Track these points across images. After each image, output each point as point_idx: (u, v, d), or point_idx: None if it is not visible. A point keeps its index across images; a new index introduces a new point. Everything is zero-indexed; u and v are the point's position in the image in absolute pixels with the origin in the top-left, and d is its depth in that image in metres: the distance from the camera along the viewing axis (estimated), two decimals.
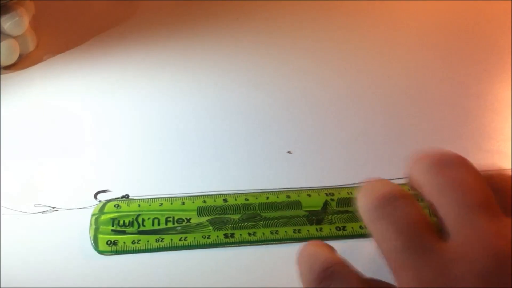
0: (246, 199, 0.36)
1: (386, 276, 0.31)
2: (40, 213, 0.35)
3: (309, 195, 0.36)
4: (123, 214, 0.35)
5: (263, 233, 0.34)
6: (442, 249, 0.22)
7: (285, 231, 0.34)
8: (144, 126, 0.43)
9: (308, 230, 0.34)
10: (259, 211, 0.35)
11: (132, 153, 0.41)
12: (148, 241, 0.33)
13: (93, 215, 0.35)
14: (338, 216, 0.35)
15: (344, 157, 0.40)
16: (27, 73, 0.49)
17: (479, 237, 0.21)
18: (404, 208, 0.25)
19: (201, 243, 0.33)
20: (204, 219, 0.35)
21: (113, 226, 0.34)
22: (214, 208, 0.35)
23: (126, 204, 0.36)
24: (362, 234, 0.34)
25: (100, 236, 0.34)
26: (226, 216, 0.35)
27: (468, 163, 0.25)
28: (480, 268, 0.20)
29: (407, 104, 0.46)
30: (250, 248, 0.33)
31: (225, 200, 0.36)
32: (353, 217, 0.35)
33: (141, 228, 0.34)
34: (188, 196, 0.36)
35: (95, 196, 0.36)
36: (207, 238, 0.34)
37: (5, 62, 0.49)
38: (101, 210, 0.35)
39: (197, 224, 0.34)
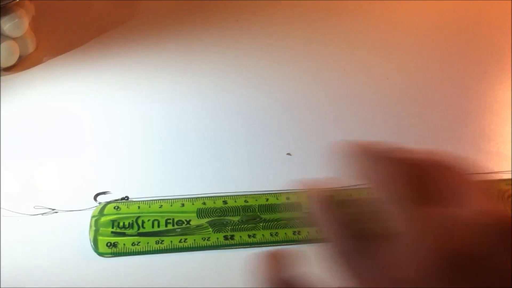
0: (245, 201, 0.36)
1: None
2: (40, 215, 0.35)
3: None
4: (123, 216, 0.35)
5: (262, 235, 0.34)
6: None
7: (285, 233, 0.34)
8: (144, 127, 0.43)
9: (308, 232, 0.34)
10: (258, 213, 0.35)
11: (132, 154, 0.41)
12: (148, 243, 0.34)
13: (93, 217, 0.35)
14: None
15: (344, 158, 0.40)
16: (27, 75, 0.49)
17: (420, 230, 0.22)
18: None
19: (201, 245, 0.33)
20: (204, 221, 0.35)
21: (113, 228, 0.34)
22: (214, 210, 0.35)
23: (126, 206, 0.36)
24: None
25: (100, 238, 0.34)
26: (225, 218, 0.35)
27: (394, 154, 0.25)
28: (425, 261, 0.21)
29: (407, 105, 0.46)
30: (250, 250, 0.33)
31: (224, 202, 0.36)
32: None
33: (141, 230, 0.34)
34: (188, 198, 0.36)
35: (95, 198, 0.37)
36: (207, 240, 0.34)
37: (5, 64, 0.49)
38: (101, 212, 0.35)
39: (197, 226, 0.34)
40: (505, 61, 0.51)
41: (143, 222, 0.34)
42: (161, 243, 0.33)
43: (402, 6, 0.61)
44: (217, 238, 0.34)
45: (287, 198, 0.36)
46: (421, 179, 0.24)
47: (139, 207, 0.35)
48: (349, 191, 0.29)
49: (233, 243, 0.34)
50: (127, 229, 0.34)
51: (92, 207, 0.36)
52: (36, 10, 0.52)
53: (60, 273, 0.32)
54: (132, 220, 0.35)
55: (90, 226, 0.34)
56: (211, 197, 0.36)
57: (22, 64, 0.50)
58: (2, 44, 0.48)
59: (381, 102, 0.46)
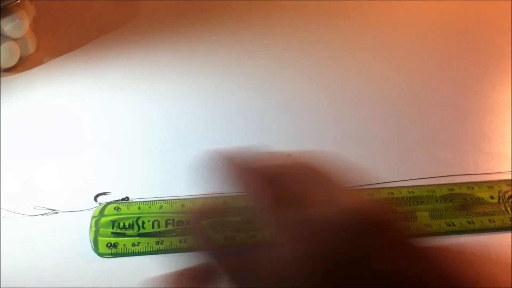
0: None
1: None
2: (40, 215, 0.35)
3: None
4: (123, 216, 0.35)
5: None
6: None
7: None
8: (144, 127, 0.43)
9: None
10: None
11: (132, 154, 0.41)
12: (148, 243, 0.33)
13: (93, 217, 0.35)
14: None
15: (343, 159, 0.40)
16: (28, 75, 0.49)
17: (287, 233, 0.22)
18: None
19: None
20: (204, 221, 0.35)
21: (113, 228, 0.34)
22: (214, 211, 0.35)
23: (126, 207, 0.36)
24: None
25: (100, 238, 0.34)
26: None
27: (260, 160, 0.26)
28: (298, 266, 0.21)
29: (407, 106, 0.46)
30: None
31: (225, 203, 0.36)
32: None
33: (141, 231, 0.34)
34: (188, 198, 0.36)
35: (95, 198, 0.37)
36: None
37: (5, 65, 0.49)
38: (101, 213, 0.35)
39: None
40: (505, 62, 0.51)
41: (143, 222, 0.34)
42: (161, 243, 0.33)
43: (402, 7, 0.61)
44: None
45: None
46: (287, 183, 0.25)
47: (139, 208, 0.35)
48: (226, 199, 0.29)
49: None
50: (128, 230, 0.34)
51: (92, 207, 0.36)
52: (36, 11, 0.52)
53: (60, 274, 0.32)
54: (133, 221, 0.35)
55: (90, 227, 0.34)
56: (211, 197, 0.36)
57: (22, 65, 0.50)
58: (2, 45, 0.48)
59: (382, 103, 0.46)
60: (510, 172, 0.38)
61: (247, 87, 0.48)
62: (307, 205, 0.23)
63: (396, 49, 0.54)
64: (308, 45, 0.54)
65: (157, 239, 0.34)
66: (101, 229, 0.34)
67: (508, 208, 0.35)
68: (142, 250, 0.33)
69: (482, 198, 0.36)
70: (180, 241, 0.33)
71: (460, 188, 0.37)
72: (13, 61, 0.49)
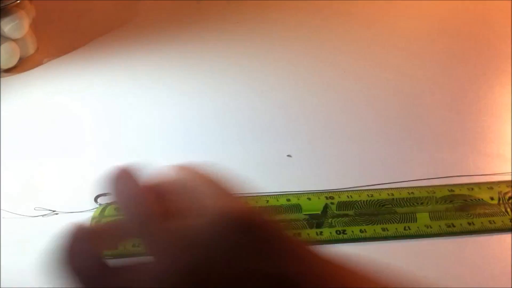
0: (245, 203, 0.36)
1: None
2: (40, 216, 0.35)
3: (309, 199, 0.36)
4: None
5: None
6: None
7: None
8: (143, 128, 0.43)
9: (308, 234, 0.34)
10: None
11: (131, 155, 0.41)
12: None
13: (93, 218, 0.35)
14: (338, 219, 0.35)
15: (344, 160, 0.40)
16: (27, 76, 0.49)
17: (164, 255, 0.21)
18: None
19: None
20: None
21: None
22: None
23: None
24: (362, 238, 0.34)
25: None
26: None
27: (139, 175, 0.25)
28: (164, 282, 0.21)
29: (406, 107, 0.46)
30: None
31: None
32: (353, 220, 0.35)
33: None
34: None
35: (96, 199, 0.36)
36: None
37: (5, 65, 0.49)
38: (102, 213, 0.35)
39: None
40: (505, 63, 0.51)
41: None
42: None
43: (402, 8, 0.61)
44: None
45: (288, 200, 0.36)
46: (165, 196, 0.24)
47: None
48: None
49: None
50: None
51: (92, 208, 0.36)
52: (36, 12, 0.52)
53: None
54: None
55: None
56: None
57: (22, 65, 0.50)
58: (2, 46, 0.48)
59: (382, 104, 0.46)
60: (510, 173, 0.38)
61: (247, 88, 0.48)
62: (185, 217, 0.23)
63: (395, 51, 0.54)
64: (308, 46, 0.54)
65: None
66: None
67: (508, 209, 0.35)
68: (142, 251, 0.33)
69: (482, 199, 0.36)
70: None
71: (460, 189, 0.37)
72: (13, 61, 0.49)
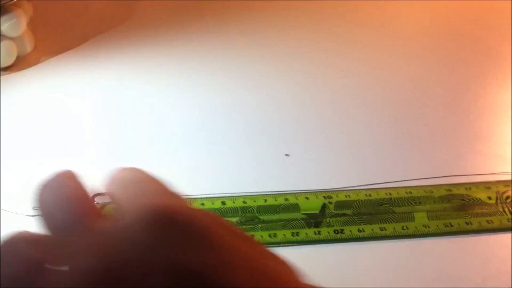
0: (244, 202, 0.36)
1: (386, 278, 0.31)
2: (40, 215, 0.35)
3: (307, 198, 0.36)
4: None
5: (261, 236, 0.34)
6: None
7: (283, 234, 0.34)
8: (142, 128, 0.43)
9: (306, 233, 0.34)
10: (257, 214, 0.35)
11: (131, 155, 0.41)
12: None
13: None
14: (336, 219, 0.35)
15: (342, 160, 0.40)
16: (25, 75, 0.49)
17: (77, 260, 0.20)
18: None
19: None
20: None
21: None
22: (212, 211, 0.35)
23: None
24: (360, 237, 0.34)
25: None
26: (224, 219, 0.35)
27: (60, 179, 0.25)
28: (75, 284, 0.20)
29: (404, 107, 0.46)
30: None
31: (223, 203, 0.36)
32: (351, 220, 0.35)
33: None
34: (186, 199, 0.36)
35: (93, 198, 0.36)
36: None
37: (2, 64, 0.49)
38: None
39: None
40: (503, 63, 0.51)
41: None
42: None
43: (400, 8, 0.61)
44: None
45: (286, 199, 0.36)
46: (89, 199, 0.24)
47: None
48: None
49: None
50: None
51: None
52: (34, 10, 0.52)
53: None
54: None
55: None
56: (210, 198, 0.36)
57: (20, 64, 0.50)
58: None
59: (379, 104, 0.46)
60: (508, 173, 0.38)
61: (244, 87, 0.48)
62: (114, 218, 0.22)
63: (393, 50, 0.54)
64: (306, 46, 0.54)
65: None
66: None
67: (506, 209, 0.35)
68: None
69: (479, 199, 0.36)
70: None
71: (458, 189, 0.37)
72: (10, 60, 0.49)
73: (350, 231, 0.34)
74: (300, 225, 0.34)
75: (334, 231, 0.34)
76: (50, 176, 0.25)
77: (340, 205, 0.36)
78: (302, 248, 0.33)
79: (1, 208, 0.35)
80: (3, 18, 0.47)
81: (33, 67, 0.50)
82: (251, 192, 0.37)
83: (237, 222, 0.35)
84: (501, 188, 0.37)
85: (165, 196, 0.23)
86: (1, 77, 0.48)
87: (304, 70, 0.50)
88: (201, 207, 0.35)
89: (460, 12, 0.61)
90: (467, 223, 0.35)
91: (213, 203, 0.36)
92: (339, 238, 0.34)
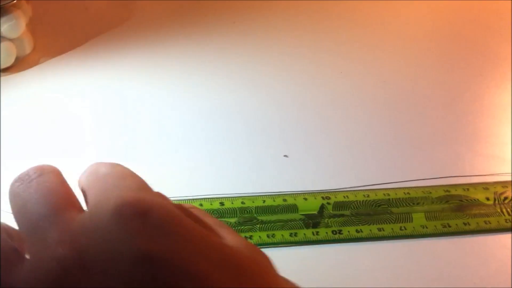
0: (242, 203, 0.36)
1: (385, 279, 0.31)
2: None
3: (306, 199, 0.36)
4: None
5: (259, 236, 0.34)
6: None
7: (282, 235, 0.34)
8: (141, 129, 0.43)
9: (304, 234, 0.34)
10: (255, 215, 0.35)
11: (131, 154, 0.41)
12: None
13: None
14: (334, 219, 0.35)
15: (340, 161, 0.40)
16: (24, 76, 0.49)
17: (45, 249, 0.21)
18: None
19: None
20: None
21: None
22: (211, 212, 0.35)
23: None
24: (358, 238, 0.34)
25: None
26: (223, 219, 0.35)
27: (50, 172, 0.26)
28: (45, 278, 0.20)
29: (402, 108, 0.46)
30: None
31: (221, 204, 0.36)
32: (349, 220, 0.35)
33: None
34: (185, 200, 0.36)
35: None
36: None
37: (2, 65, 0.49)
38: None
39: None
40: (501, 64, 0.51)
41: None
42: None
43: (397, 10, 0.61)
44: None
45: (284, 200, 0.36)
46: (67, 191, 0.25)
47: None
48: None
49: None
50: None
51: None
52: (33, 11, 0.52)
53: None
54: None
55: None
56: (208, 198, 0.36)
57: (19, 65, 0.50)
58: None
59: (378, 104, 0.46)
60: (506, 174, 0.39)
61: (243, 88, 0.48)
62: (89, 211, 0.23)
63: (391, 51, 0.54)
64: (305, 47, 0.54)
65: None
66: None
67: (504, 210, 0.36)
68: None
69: (477, 199, 0.36)
70: None
71: (456, 190, 0.37)
72: (10, 61, 0.49)
73: (348, 231, 0.34)
74: (299, 226, 0.34)
75: (332, 231, 0.34)
76: (24, 170, 0.26)
77: (338, 205, 0.36)
78: (300, 248, 0.33)
79: (1, 208, 0.35)
80: (3, 19, 0.47)
81: (33, 68, 0.50)
82: (249, 192, 0.37)
83: (235, 222, 0.35)
84: (499, 189, 0.37)
85: (137, 190, 0.24)
86: (1, 78, 0.48)
87: (303, 71, 0.51)
88: (200, 207, 0.35)
89: (460, 13, 0.61)
90: (465, 224, 0.35)
91: (211, 204, 0.36)
92: (337, 238, 0.34)
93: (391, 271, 0.32)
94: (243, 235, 0.34)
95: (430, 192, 0.37)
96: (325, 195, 0.37)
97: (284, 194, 0.37)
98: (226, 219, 0.35)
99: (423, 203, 0.36)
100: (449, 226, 0.34)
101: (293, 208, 0.35)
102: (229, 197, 0.36)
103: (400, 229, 0.34)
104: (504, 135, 0.42)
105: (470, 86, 0.48)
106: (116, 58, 0.52)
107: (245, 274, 0.21)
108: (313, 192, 0.37)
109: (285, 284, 0.23)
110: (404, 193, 0.37)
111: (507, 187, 0.37)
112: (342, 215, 0.35)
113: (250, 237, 0.34)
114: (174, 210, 0.22)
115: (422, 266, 0.32)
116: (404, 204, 0.36)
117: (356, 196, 0.37)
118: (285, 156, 0.41)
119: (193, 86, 0.48)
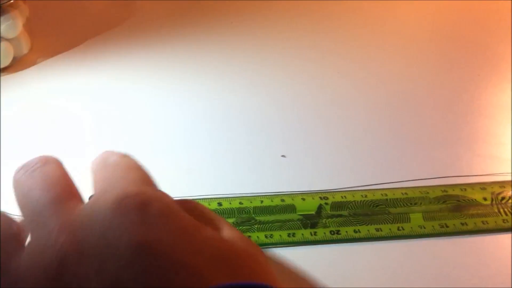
0: (240, 203, 0.36)
1: (382, 279, 0.31)
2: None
3: (303, 199, 0.36)
4: None
5: (257, 236, 0.34)
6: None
7: (280, 235, 0.34)
8: (137, 130, 0.43)
9: (302, 234, 0.34)
10: (253, 215, 0.35)
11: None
12: None
13: None
14: (332, 220, 0.35)
15: (338, 161, 0.40)
16: (22, 76, 0.49)
17: (46, 234, 0.22)
18: None
19: None
20: None
21: None
22: None
23: None
24: (356, 238, 0.34)
25: None
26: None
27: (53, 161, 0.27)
28: (44, 265, 0.21)
29: (400, 108, 0.46)
30: None
31: (219, 204, 0.36)
32: (347, 221, 0.35)
33: None
34: (186, 199, 0.36)
35: (90, 198, 0.36)
36: None
37: None
38: None
39: None
40: (499, 65, 0.52)
41: None
42: None
43: (396, 8, 0.61)
44: None
45: (282, 200, 0.36)
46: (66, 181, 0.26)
47: None
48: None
49: None
50: None
51: None
52: (30, 11, 0.52)
53: None
54: None
55: None
56: (206, 199, 0.36)
57: (16, 65, 0.50)
58: None
59: (374, 105, 0.46)
60: (503, 174, 0.39)
61: (240, 88, 0.48)
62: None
63: (389, 51, 0.54)
64: (302, 47, 0.54)
65: None
66: None
67: (501, 210, 0.36)
68: None
69: (475, 199, 0.36)
70: None
71: (453, 190, 0.37)
72: (7, 61, 0.49)
73: (346, 232, 0.34)
74: (297, 226, 0.34)
75: (330, 232, 0.34)
76: (27, 160, 0.27)
77: (336, 206, 0.36)
78: (298, 248, 0.33)
79: (1, 208, 0.35)
80: (0, 19, 0.47)
81: (30, 68, 0.50)
82: (247, 193, 0.37)
83: (233, 223, 0.35)
84: (497, 189, 0.37)
85: (140, 183, 0.24)
86: None
87: (300, 71, 0.51)
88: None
89: (459, 13, 0.61)
90: (462, 224, 0.35)
91: (209, 204, 0.36)
92: (335, 239, 0.34)
93: (389, 271, 0.32)
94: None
95: (428, 192, 0.37)
96: (323, 195, 0.37)
97: (282, 194, 0.37)
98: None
99: (421, 203, 0.36)
100: (447, 226, 0.34)
101: (291, 209, 0.35)
102: (227, 198, 0.36)
103: (398, 229, 0.34)
104: (502, 135, 0.42)
105: (468, 87, 0.49)
106: (114, 58, 0.52)
107: (237, 265, 0.22)
108: (311, 193, 0.37)
109: (277, 278, 0.24)
110: (402, 193, 0.37)
111: (504, 187, 0.37)
112: (340, 216, 0.35)
113: (248, 237, 0.34)
114: (173, 205, 0.23)
115: (421, 266, 0.32)
116: (401, 205, 0.36)
117: (354, 197, 0.37)
118: (282, 156, 0.41)
119: (191, 86, 0.48)
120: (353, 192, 0.37)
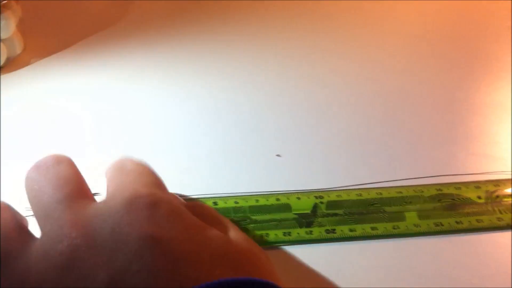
0: (236, 202, 0.36)
1: (378, 277, 0.31)
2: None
3: (299, 198, 0.36)
4: None
5: (253, 236, 0.34)
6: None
7: (275, 234, 0.34)
8: (134, 130, 0.43)
9: (298, 233, 0.34)
10: (249, 214, 0.35)
11: (130, 154, 0.40)
12: None
13: None
14: (328, 218, 0.35)
15: (333, 160, 0.40)
16: (15, 76, 0.49)
17: (58, 229, 0.23)
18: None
19: None
20: None
21: None
22: None
23: None
24: (351, 237, 0.34)
25: None
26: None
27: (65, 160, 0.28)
28: (55, 255, 0.22)
29: (395, 107, 0.46)
30: None
31: (215, 203, 0.36)
32: (343, 219, 0.35)
33: None
34: (186, 199, 0.36)
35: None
36: None
37: None
38: None
39: None
40: (491, 63, 0.52)
41: None
42: None
43: (394, 8, 0.62)
44: None
45: (277, 199, 0.36)
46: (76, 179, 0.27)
47: None
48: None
49: None
50: None
51: None
52: (23, 11, 0.52)
53: None
54: None
55: None
56: (201, 198, 0.36)
57: (9, 66, 0.50)
58: None
59: (370, 104, 0.46)
60: (497, 172, 0.39)
61: (236, 88, 0.48)
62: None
63: (385, 50, 0.54)
64: (299, 47, 0.54)
65: None
66: None
67: (495, 208, 0.36)
68: None
69: (469, 198, 0.37)
70: None
71: (448, 188, 0.37)
72: (0, 62, 0.49)
73: (342, 230, 0.34)
74: (292, 225, 0.34)
75: (326, 230, 0.34)
76: (40, 158, 0.28)
77: (332, 205, 0.36)
78: (294, 247, 0.33)
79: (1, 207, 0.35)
80: None
81: (23, 69, 0.50)
82: (242, 192, 0.37)
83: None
84: (491, 188, 0.37)
85: (151, 186, 0.26)
86: None
87: (296, 71, 0.51)
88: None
89: (459, 13, 0.61)
90: (457, 223, 0.35)
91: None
92: (330, 237, 0.34)
93: (385, 269, 0.32)
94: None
95: (422, 191, 0.37)
96: (318, 194, 0.37)
97: (277, 193, 0.37)
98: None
99: (416, 202, 0.36)
100: (442, 225, 0.35)
101: (287, 208, 0.36)
102: (222, 197, 0.36)
103: (393, 228, 0.34)
104: (496, 134, 0.43)
105: (462, 86, 0.49)
106: (109, 58, 0.52)
107: (241, 263, 0.23)
108: (306, 192, 0.37)
109: (280, 277, 0.25)
110: (397, 192, 0.37)
111: (499, 185, 0.37)
112: (336, 214, 0.35)
113: None
114: (181, 207, 0.24)
115: (416, 265, 0.32)
116: (396, 203, 0.36)
117: (349, 195, 0.37)
118: (277, 155, 0.41)
119: (187, 86, 0.48)
120: (348, 191, 0.37)
